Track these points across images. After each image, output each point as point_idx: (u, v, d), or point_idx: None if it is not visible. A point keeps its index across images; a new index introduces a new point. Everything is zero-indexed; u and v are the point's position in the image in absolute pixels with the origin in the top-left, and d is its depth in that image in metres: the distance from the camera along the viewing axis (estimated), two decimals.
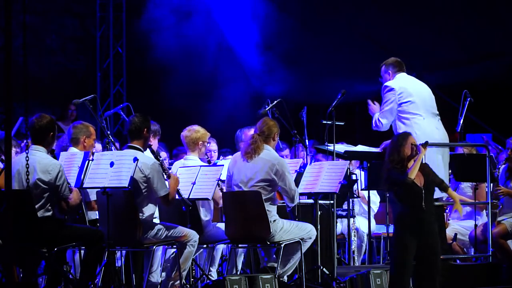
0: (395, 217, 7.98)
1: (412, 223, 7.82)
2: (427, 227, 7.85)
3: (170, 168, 9.09)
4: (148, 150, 8.32)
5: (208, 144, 9.46)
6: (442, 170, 9.15)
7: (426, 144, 7.97)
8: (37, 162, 7.58)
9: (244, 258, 9.26)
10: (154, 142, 9.24)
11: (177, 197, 8.22)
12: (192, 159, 9.09)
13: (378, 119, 9.45)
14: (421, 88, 9.51)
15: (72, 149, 8.81)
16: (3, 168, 6.03)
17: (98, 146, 9.51)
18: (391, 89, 9.36)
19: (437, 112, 9.47)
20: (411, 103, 9.31)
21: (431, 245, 7.84)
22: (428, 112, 9.38)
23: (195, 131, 9.14)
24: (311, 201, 9.23)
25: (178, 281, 8.10)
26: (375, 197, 10.94)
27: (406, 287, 7.82)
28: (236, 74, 13.62)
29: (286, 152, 11.25)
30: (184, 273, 8.15)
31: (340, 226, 10.71)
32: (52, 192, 7.65)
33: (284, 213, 8.80)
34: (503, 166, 10.06)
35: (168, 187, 8.07)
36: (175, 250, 8.25)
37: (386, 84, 9.46)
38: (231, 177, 8.57)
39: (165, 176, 8.11)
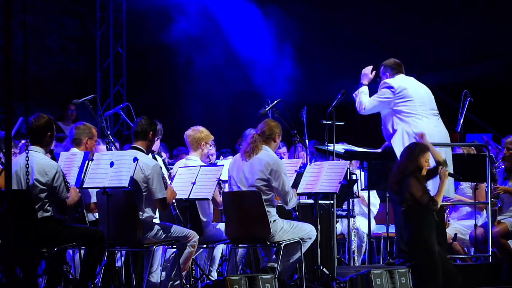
0: (419, 219, 7.98)
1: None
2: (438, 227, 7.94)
3: (171, 168, 9.08)
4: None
5: (210, 147, 9.46)
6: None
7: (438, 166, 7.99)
8: (34, 163, 7.54)
9: (244, 258, 9.26)
10: (156, 142, 9.19)
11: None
12: (194, 159, 9.08)
13: (367, 102, 9.37)
14: (420, 89, 9.47)
15: (73, 150, 8.78)
16: (3, 168, 6.02)
17: (103, 147, 9.42)
18: (390, 87, 9.31)
19: (437, 112, 9.44)
20: (409, 102, 9.25)
21: (443, 245, 7.93)
22: (427, 112, 9.33)
23: (198, 131, 9.13)
24: (311, 201, 9.23)
25: (178, 281, 8.10)
26: (375, 199, 10.93)
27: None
28: (238, 74, 13.62)
29: (284, 149, 11.26)
30: (184, 273, 8.15)
31: (340, 226, 10.71)
32: (50, 193, 7.64)
33: (284, 213, 8.80)
34: (499, 164, 10.06)
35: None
36: (175, 250, 8.25)
37: (386, 80, 9.41)
38: (231, 177, 8.57)
39: (166, 176, 8.11)
